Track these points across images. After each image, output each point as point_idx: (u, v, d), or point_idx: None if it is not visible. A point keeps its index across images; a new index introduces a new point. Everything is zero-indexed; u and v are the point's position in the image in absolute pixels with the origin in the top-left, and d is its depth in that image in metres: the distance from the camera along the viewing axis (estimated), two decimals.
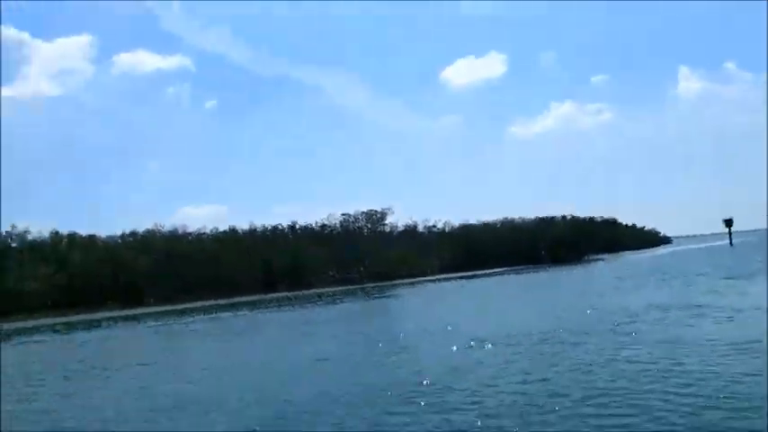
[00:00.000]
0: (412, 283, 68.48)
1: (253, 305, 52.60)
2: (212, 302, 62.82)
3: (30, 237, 76.58)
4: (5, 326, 49.50)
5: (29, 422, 13.41)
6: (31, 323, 51.86)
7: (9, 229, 74.42)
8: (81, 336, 36.66)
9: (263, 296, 65.18)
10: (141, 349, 27.59)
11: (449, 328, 23.19)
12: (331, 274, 78.68)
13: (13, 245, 75.29)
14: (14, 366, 24.10)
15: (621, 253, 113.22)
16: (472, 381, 13.18)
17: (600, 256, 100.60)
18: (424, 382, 13.39)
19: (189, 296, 68.98)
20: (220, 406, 13.01)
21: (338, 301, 49.11)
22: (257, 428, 10.70)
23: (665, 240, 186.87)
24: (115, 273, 71.62)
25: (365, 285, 71.61)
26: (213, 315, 44.82)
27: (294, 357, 19.97)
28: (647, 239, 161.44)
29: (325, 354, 20.25)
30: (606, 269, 62.95)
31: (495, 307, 32.05)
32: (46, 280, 67.56)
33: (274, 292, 71.51)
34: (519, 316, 25.40)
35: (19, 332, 42.41)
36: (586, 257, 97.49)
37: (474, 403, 11.19)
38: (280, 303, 51.71)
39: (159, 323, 41.03)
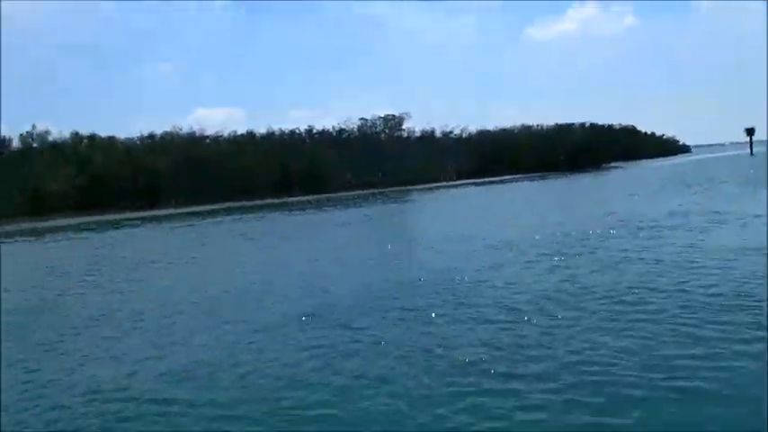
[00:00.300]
0: (429, 189, 68.89)
1: (273, 208, 53.51)
2: (232, 205, 63.82)
3: (50, 138, 77.29)
4: (36, 225, 50.99)
5: (115, 302, 14.33)
6: (57, 223, 53.22)
7: (30, 129, 74.99)
8: (112, 234, 37.84)
9: (281, 200, 66.07)
10: (179, 246, 28.62)
11: (470, 230, 23.73)
12: (348, 178, 79.13)
13: (35, 145, 76.12)
14: (63, 260, 25.16)
15: (640, 161, 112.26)
16: (497, 278, 13.72)
17: (618, 164, 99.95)
18: (453, 279, 14.02)
19: (208, 198, 70.11)
20: (273, 295, 13.89)
21: (357, 205, 49.81)
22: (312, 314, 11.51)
23: (685, 149, 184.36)
24: (135, 175, 72.58)
25: (383, 190, 72.19)
26: (235, 217, 45.77)
27: (325, 255, 20.74)
28: (667, 148, 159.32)
29: (354, 253, 21.00)
30: (625, 176, 62.83)
31: (514, 211, 32.46)
32: (68, 181, 68.75)
33: (292, 196, 72.40)
34: (539, 220, 25.76)
35: (50, 230, 43.72)
36: (604, 165, 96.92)
37: (500, 297, 11.69)
38: (300, 206, 52.52)
39: (184, 224, 42.09)
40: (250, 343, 9.98)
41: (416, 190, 68.80)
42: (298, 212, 45.86)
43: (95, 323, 12.50)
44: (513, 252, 17.39)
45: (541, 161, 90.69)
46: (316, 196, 67.67)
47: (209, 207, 61.32)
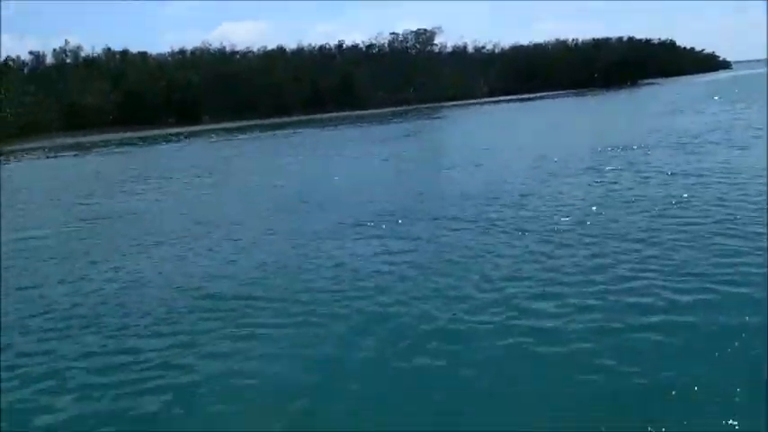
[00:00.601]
0: (462, 106, 68.20)
1: (305, 124, 53.82)
2: (263, 121, 64.18)
3: (83, 54, 77.52)
4: (77, 139, 52.18)
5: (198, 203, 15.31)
6: (96, 138, 54.32)
7: (63, 44, 75.21)
8: (155, 148, 38.85)
9: (313, 116, 66.18)
10: (226, 158, 29.50)
11: (510, 145, 23.98)
12: (380, 95, 78.48)
13: (68, 61, 76.53)
14: (121, 172, 26.18)
15: (678, 77, 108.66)
16: (542, 191, 14.10)
17: (656, 80, 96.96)
18: (500, 190, 14.55)
19: (239, 115, 70.53)
20: (331, 204, 14.65)
21: (391, 121, 49.83)
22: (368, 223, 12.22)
23: (725, 65, 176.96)
24: (168, 90, 72.99)
25: (414, 107, 71.69)
26: (270, 133, 46.30)
27: (368, 169, 21.38)
28: (706, 64, 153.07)
29: (397, 167, 21.57)
30: (664, 92, 61.23)
31: (553, 127, 32.38)
32: (103, 96, 69.54)
33: (323, 113, 72.35)
34: (579, 135, 25.82)
35: (93, 145, 44.88)
36: (641, 81, 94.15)
37: (545, 209, 12.09)
38: (332, 123, 52.72)
39: (222, 139, 42.86)
40: (315, 247, 10.72)
41: (449, 107, 68.17)
42: (331, 129, 46.15)
43: (173, 229, 13.35)
44: (555, 166, 17.67)
45: (577, 77, 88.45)
46: (347, 113, 67.56)
47: (241, 123, 61.82)
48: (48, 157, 38.26)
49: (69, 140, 51.33)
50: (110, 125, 67.32)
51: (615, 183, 14.45)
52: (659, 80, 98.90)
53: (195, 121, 68.89)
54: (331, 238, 11.21)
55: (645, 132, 24.25)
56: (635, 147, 20.00)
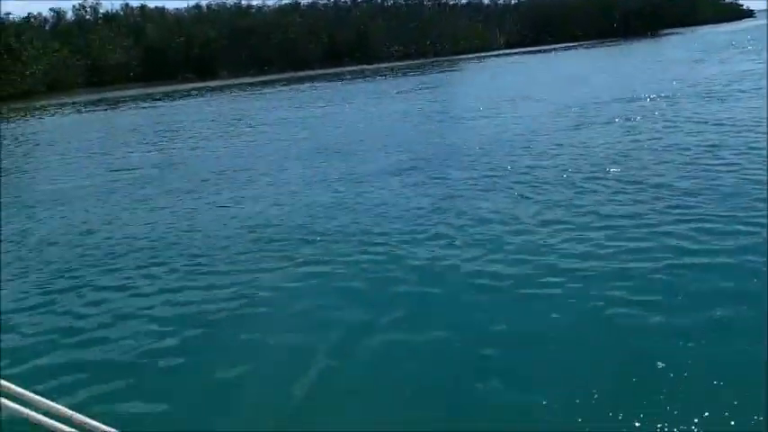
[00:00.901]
0: (479, 59, 68.00)
1: (324, 78, 54.28)
2: (282, 76, 64.54)
3: (101, 10, 77.91)
4: (105, 94, 53.20)
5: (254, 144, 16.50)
6: (121, 93, 55.27)
7: (82, 0, 75.56)
8: (182, 102, 39.82)
9: (330, 70, 66.45)
10: (258, 109, 30.51)
11: (533, 96, 24.60)
12: (395, 49, 78.37)
13: (88, 17, 77.05)
14: (156, 125, 27.33)
15: (700, 27, 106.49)
16: (571, 139, 14.71)
17: (677, 30, 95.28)
18: (530, 138, 15.50)
19: (258, 70, 71.00)
20: (364, 152, 15.71)
21: (408, 74, 50.17)
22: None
23: (748, 14, 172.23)
24: (187, 46, 73.49)
25: (431, 60, 71.60)
26: (288, 87, 46.93)
27: (393, 119, 22.34)
28: (729, 13, 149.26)
29: (425, 117, 22.47)
30: (686, 42, 60.57)
31: (573, 77, 32.81)
32: (125, 52, 70.26)
33: (340, 66, 72.51)
34: (602, 85, 26.23)
35: (120, 100, 45.90)
36: (662, 31, 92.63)
37: (576, 157, 12.73)
38: (351, 76, 53.15)
39: (246, 93, 43.66)
40: (357, 189, 11.79)
41: (465, 59, 68.00)
42: (348, 82, 46.67)
43: (218, 177, 14.48)
44: (580, 115, 18.25)
45: (595, 28, 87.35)
46: (364, 66, 67.71)
47: (259, 78, 62.24)
48: (79, 112, 39.41)
49: (95, 96, 52.37)
50: (131, 81, 68.22)
51: (642, 131, 14.78)
52: (680, 30, 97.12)
53: (213, 76, 69.56)
54: (369, 181, 12.30)
55: (669, 81, 24.46)
56: (660, 96, 20.29)
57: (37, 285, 7.89)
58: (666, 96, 20.28)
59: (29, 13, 73.13)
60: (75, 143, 23.42)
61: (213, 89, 50.50)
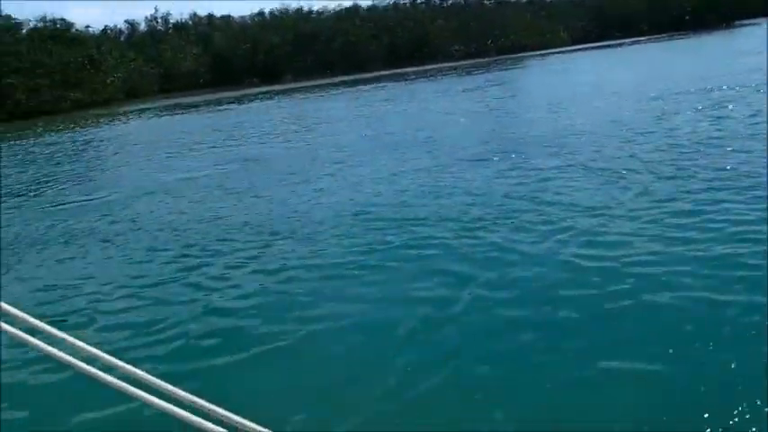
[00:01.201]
0: (542, 56, 67.27)
1: (387, 79, 54.93)
2: (345, 78, 65.58)
3: (171, 20, 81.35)
4: (179, 100, 55.54)
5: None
6: (193, 99, 57.52)
7: (153, 11, 79.12)
8: (256, 105, 41.24)
9: (393, 71, 67.15)
10: (331, 109, 31.41)
11: (603, 90, 24.37)
12: (456, 48, 78.41)
13: (159, 27, 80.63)
14: (239, 125, 28.51)
15: None
16: (650, 132, 14.52)
17: (754, 21, 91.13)
18: (614, 126, 15.53)
19: (321, 73, 72.49)
20: (441, 144, 16.11)
21: (472, 73, 50.21)
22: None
23: None
24: (252, 52, 75.81)
25: (493, 59, 71.26)
26: (353, 88, 47.77)
27: (464, 114, 22.63)
28: None
29: (500, 111, 22.68)
30: (765, 34, 58.11)
31: (645, 72, 32.19)
32: (195, 60, 73.13)
33: (402, 67, 73.14)
34: (675, 78, 25.71)
35: (194, 105, 47.84)
36: (737, 22, 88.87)
37: (656, 149, 12.61)
38: (413, 77, 53.59)
39: (315, 95, 44.78)
40: (446, 177, 12.24)
41: (529, 57, 67.38)
42: (412, 82, 47.14)
43: (311, 168, 15.14)
44: (658, 106, 17.99)
45: (665, 20, 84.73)
46: (426, 67, 68.06)
47: (323, 81, 63.50)
48: (159, 116, 41.41)
49: (169, 102, 54.76)
50: (201, 87, 70.90)
51: (727, 118, 14.51)
52: (759, 20, 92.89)
53: (278, 80, 71.52)
54: (454, 170, 12.64)
55: (752, 72, 23.65)
56: (740, 86, 19.88)
57: (168, 260, 8.64)
58: (748, 87, 19.77)
59: (105, 26, 77.33)
60: (165, 143, 24.73)
61: (280, 92, 51.95)
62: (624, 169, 10.91)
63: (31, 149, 28.75)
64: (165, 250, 9.15)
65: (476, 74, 47.91)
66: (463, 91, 33.50)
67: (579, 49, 69.27)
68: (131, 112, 47.33)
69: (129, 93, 64.75)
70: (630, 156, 11.98)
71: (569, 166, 11.84)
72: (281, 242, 8.95)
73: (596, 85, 27.03)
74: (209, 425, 1.43)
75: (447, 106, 26.13)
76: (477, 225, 8.72)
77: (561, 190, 10.07)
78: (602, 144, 13.56)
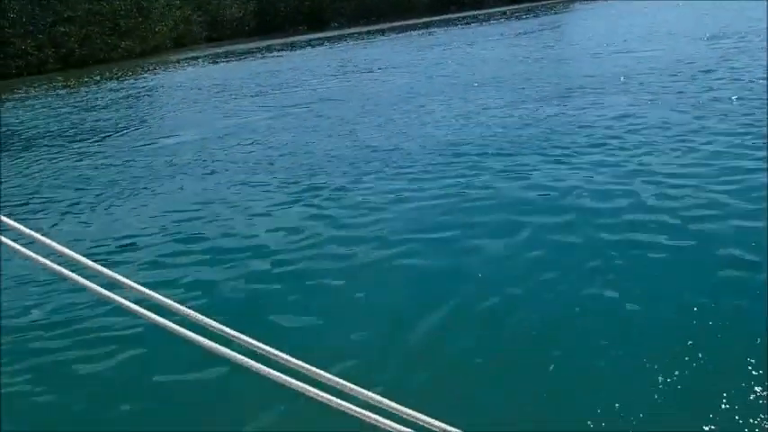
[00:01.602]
0: (586, 1, 65.03)
1: (437, 24, 54.11)
2: (392, 24, 64.70)
3: None
4: (228, 48, 55.87)
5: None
6: (243, 46, 57.64)
7: None
8: (309, 50, 41.42)
9: (440, 17, 65.93)
10: (387, 52, 31.48)
11: (665, 31, 23.89)
12: None
13: None
14: (296, 69, 28.93)
15: None
16: (721, 67, 14.61)
17: None
18: (677, 63, 15.45)
19: (367, 20, 71.69)
20: (518, 83, 16.32)
21: (522, 17, 49.09)
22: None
23: None
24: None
25: (541, 3, 69.20)
26: (406, 33, 47.34)
27: (527, 56, 22.56)
28: None
29: (550, 52, 22.50)
30: None
31: (708, 11, 31.12)
32: (241, 7, 73.06)
33: (447, 13, 71.68)
34: (738, 19, 24.92)
35: (246, 52, 48.18)
36: None
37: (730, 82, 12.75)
38: (462, 22, 52.65)
39: (365, 41, 44.61)
40: (525, 113, 12.52)
41: (575, 1, 65.23)
42: (465, 26, 46.39)
43: (393, 107, 15.60)
44: (726, 46, 17.67)
45: None
46: (473, 12, 66.57)
47: (370, 28, 62.79)
48: (214, 63, 41.95)
49: (219, 50, 55.15)
50: (247, 35, 71.04)
51: None
52: None
53: (323, 27, 71.05)
54: (525, 107, 12.91)
55: None
56: None
57: (272, 189, 9.30)
58: None
59: None
60: (226, 88, 25.29)
61: (330, 38, 51.78)
62: (697, 101, 11.18)
63: (94, 96, 29.72)
64: (252, 185, 9.75)
65: (526, 18, 46.83)
66: (516, 35, 33.00)
67: None
68: (183, 59, 47.99)
69: (177, 41, 65.37)
70: (704, 89, 12.11)
71: (643, 100, 12.05)
72: (372, 175, 9.48)
73: (654, 26, 26.39)
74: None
75: (504, 49, 25.95)
76: (564, 153, 9.10)
77: (637, 122, 10.35)
78: (671, 80, 13.64)
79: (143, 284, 1.55)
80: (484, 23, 47.00)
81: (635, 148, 8.86)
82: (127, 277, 1.53)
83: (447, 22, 54.40)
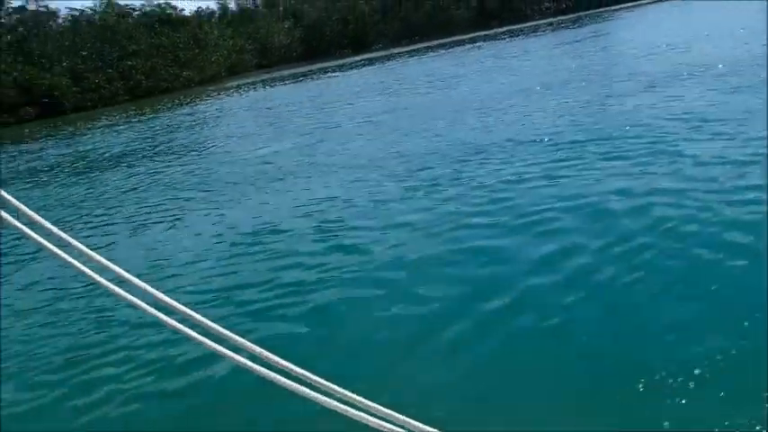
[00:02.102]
0: (633, 7, 65.24)
1: (483, 39, 55.09)
2: (434, 42, 65.84)
3: None
4: (277, 74, 57.95)
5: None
6: (292, 71, 59.68)
7: None
8: (358, 71, 42.97)
9: (484, 32, 66.96)
10: (435, 69, 32.60)
11: (712, 33, 24.38)
12: (546, 6, 77.14)
13: (248, 5, 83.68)
14: (350, 87, 30.34)
15: None
16: None
17: None
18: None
19: (410, 39, 73.26)
20: (590, 83, 17.19)
21: (570, 27, 49.78)
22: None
23: None
24: (342, 23, 77.51)
25: (583, 14, 69.68)
26: (452, 49, 48.36)
27: (580, 61, 23.37)
28: None
29: (605, 55, 23.23)
30: None
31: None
32: (288, 34, 75.71)
33: (489, 29, 72.66)
34: None
35: (295, 76, 50.15)
36: None
37: None
38: (505, 36, 53.55)
39: (413, 59, 45.97)
40: (620, 100, 13.39)
41: (624, 9, 65.51)
42: (510, 41, 47.30)
43: (455, 113, 16.70)
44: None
45: None
46: (515, 26, 67.36)
47: (413, 47, 64.07)
48: (272, 86, 43.92)
49: (272, 75, 57.38)
50: (294, 61, 73.36)
51: None
52: None
53: (368, 49, 72.86)
54: (615, 102, 13.81)
55: None
56: None
57: (380, 183, 10.44)
58: None
59: (198, 7, 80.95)
60: (297, 104, 26.89)
61: (378, 59, 53.33)
62: None
63: (175, 119, 31.73)
64: (363, 180, 10.87)
65: (574, 28, 47.52)
66: (570, 42, 33.75)
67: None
68: (242, 85, 50.22)
69: (230, 69, 68.08)
70: None
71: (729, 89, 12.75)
72: (486, 161, 10.52)
73: (706, 28, 26.86)
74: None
75: (561, 57, 26.79)
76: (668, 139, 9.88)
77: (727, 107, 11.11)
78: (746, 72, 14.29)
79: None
80: (531, 35, 47.88)
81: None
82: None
83: (493, 37, 55.41)
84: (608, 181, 8.22)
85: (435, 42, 63.33)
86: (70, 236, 1.42)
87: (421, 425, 1.43)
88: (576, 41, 33.87)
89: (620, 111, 12.68)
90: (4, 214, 1.37)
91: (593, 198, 7.62)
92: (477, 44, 48.76)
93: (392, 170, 11.12)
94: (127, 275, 1.43)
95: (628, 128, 10.93)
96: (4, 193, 1.35)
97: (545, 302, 5.25)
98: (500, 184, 9.02)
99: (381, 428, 1.38)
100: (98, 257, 1.41)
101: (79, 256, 1.42)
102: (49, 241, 1.42)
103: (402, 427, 1.40)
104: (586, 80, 17.80)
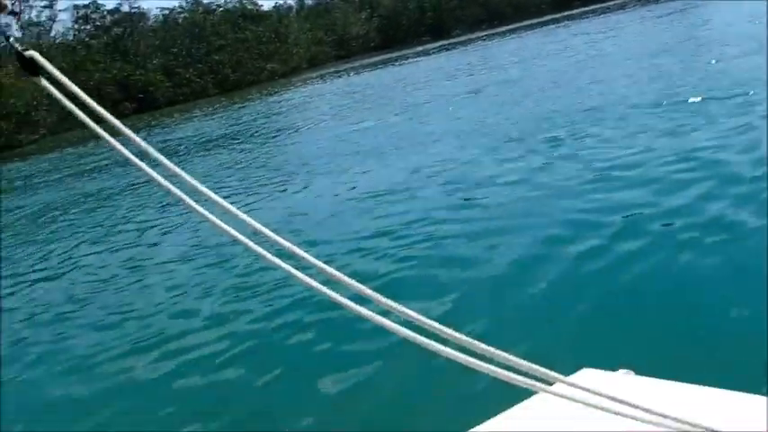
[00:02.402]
0: None
1: (571, 18, 53.61)
2: (514, 26, 64.64)
3: None
4: (356, 63, 58.52)
5: None
6: (371, 60, 60.08)
7: None
8: (440, 56, 42.89)
9: (566, 12, 65.13)
10: (531, 46, 32.18)
11: None
12: None
13: None
14: (435, 71, 30.27)
15: None
16: None
17: None
18: None
19: (489, 24, 72.39)
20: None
21: (648, 6, 47.71)
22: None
23: None
24: (420, 10, 77.55)
25: None
26: (541, 29, 47.30)
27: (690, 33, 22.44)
28: None
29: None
30: None
31: None
32: (365, 24, 76.44)
33: (570, 9, 70.60)
34: None
35: (374, 65, 50.51)
36: None
37: None
38: (589, 15, 51.87)
39: (495, 41, 45.36)
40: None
41: None
42: (595, 17, 45.85)
43: (572, 80, 16.44)
44: None
45: None
46: (595, 6, 65.10)
47: (492, 31, 63.12)
48: (358, 74, 44.42)
49: (353, 64, 57.94)
50: (372, 50, 73.91)
51: None
52: None
53: (447, 35, 72.47)
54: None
55: None
56: None
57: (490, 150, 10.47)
58: None
59: (276, 2, 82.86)
60: (386, 88, 27.13)
61: (458, 44, 52.98)
62: None
63: (268, 106, 32.73)
64: (477, 146, 10.88)
65: (649, 8, 45.54)
66: (658, 17, 32.45)
67: None
68: (325, 74, 51.12)
69: (311, 61, 69.42)
70: None
71: None
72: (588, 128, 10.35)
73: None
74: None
75: (660, 33, 25.70)
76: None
77: None
78: None
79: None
80: (618, 12, 46.16)
81: None
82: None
83: (578, 16, 53.82)
84: None
85: (515, 26, 62.16)
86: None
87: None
88: (668, 14, 32.48)
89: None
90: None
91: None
92: (564, 23, 47.53)
93: (507, 134, 11.14)
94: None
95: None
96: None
97: None
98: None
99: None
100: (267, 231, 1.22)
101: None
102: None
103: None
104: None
